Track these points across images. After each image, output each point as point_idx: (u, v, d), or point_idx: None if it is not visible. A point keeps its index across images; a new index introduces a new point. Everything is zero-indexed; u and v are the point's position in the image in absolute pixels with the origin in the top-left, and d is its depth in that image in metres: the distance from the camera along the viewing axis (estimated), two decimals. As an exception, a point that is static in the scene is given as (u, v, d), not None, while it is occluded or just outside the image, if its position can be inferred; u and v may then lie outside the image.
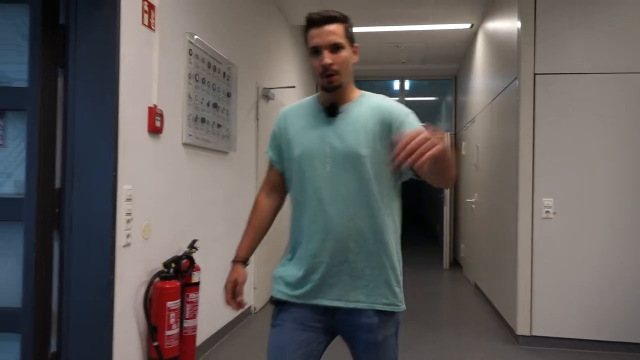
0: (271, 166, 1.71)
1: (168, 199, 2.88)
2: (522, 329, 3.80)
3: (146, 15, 2.53)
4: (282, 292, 1.55)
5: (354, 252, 1.50)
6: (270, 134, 1.69)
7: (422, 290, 5.91)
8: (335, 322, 1.52)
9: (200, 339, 3.20)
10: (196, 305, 2.89)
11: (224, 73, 3.69)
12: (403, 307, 1.59)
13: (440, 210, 7.84)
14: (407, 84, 8.47)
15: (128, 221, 2.39)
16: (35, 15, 2.19)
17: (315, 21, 1.52)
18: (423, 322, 4.46)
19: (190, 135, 3.12)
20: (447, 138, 1.29)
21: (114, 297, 2.28)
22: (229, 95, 3.78)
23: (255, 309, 4.56)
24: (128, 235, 2.40)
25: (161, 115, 2.71)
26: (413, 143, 1.14)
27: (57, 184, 2.24)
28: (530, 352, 3.68)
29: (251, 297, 4.47)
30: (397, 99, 8.37)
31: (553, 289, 3.76)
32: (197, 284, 2.92)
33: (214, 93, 3.51)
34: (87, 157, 2.25)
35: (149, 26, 2.57)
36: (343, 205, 1.49)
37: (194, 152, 3.23)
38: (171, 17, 2.85)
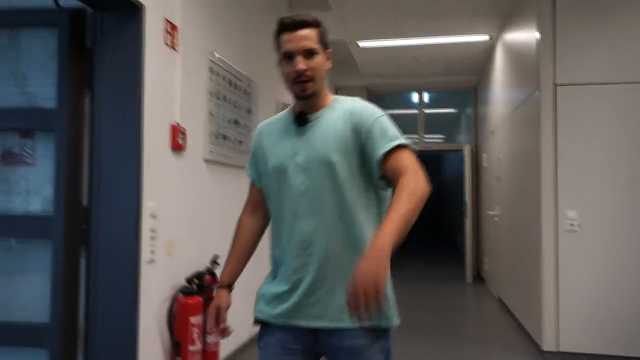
0: (252, 184, 1.66)
1: (191, 215, 2.93)
2: (548, 345, 3.72)
3: (169, 36, 2.59)
4: (263, 312, 1.49)
5: (333, 267, 1.42)
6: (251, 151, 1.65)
7: (445, 304, 5.84)
8: (318, 345, 1.44)
9: (222, 354, 3.21)
10: (219, 321, 2.91)
11: (245, 90, 3.75)
12: (393, 322, 1.46)
13: (462, 221, 7.76)
14: (426, 96, 8.45)
15: (152, 237, 2.43)
16: (63, 39, 2.27)
17: (288, 25, 1.45)
18: (446, 337, 4.40)
19: (212, 151, 3.17)
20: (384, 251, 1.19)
21: (138, 313, 2.31)
22: (249, 111, 3.84)
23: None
24: (152, 252, 2.44)
25: (184, 133, 2.76)
26: (358, 299, 1.14)
27: (84, 201, 2.30)
28: (557, 368, 3.60)
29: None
30: (417, 111, 8.35)
31: (580, 304, 3.68)
32: (220, 299, 2.94)
33: (235, 110, 3.56)
34: (113, 175, 2.30)
35: (172, 46, 2.64)
36: (318, 218, 1.42)
37: (215, 168, 3.28)
38: (193, 37, 2.92)
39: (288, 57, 1.45)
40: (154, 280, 2.47)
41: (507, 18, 5.18)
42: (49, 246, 2.22)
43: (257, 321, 1.51)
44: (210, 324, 1.56)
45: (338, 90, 7.91)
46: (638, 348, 3.57)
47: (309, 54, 1.44)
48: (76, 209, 2.26)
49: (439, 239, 14.19)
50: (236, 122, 3.58)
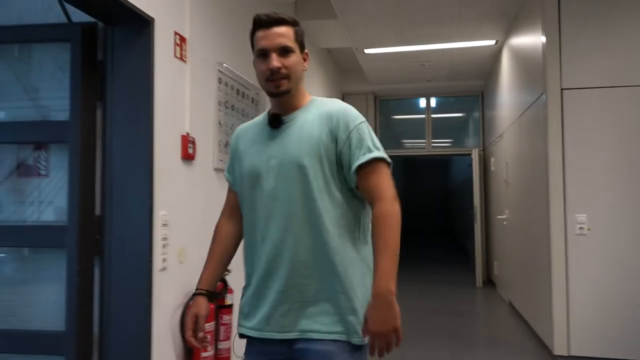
0: (230, 189, 1.62)
1: (201, 223, 2.96)
2: (559, 349, 3.71)
3: (178, 48, 2.64)
4: (242, 326, 1.47)
5: (303, 275, 1.37)
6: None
7: (455, 308, 5.83)
8: (294, 352, 1.40)
9: (234, 360, 3.24)
10: (230, 327, 2.94)
11: (252, 99, 3.79)
12: (359, 340, 1.36)
13: (471, 225, 7.75)
14: (433, 101, 8.47)
15: (164, 246, 2.47)
16: (75, 53, 2.32)
17: (263, 22, 1.42)
18: (457, 342, 4.39)
19: (221, 160, 3.21)
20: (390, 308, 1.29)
21: (151, 320, 2.35)
22: (257, 120, 3.88)
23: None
24: (164, 260, 2.48)
25: (193, 143, 2.80)
26: (382, 349, 1.28)
27: (97, 211, 2.35)
28: (569, 372, 3.59)
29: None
30: (424, 116, 8.37)
31: (591, 307, 3.67)
32: (231, 306, 2.97)
33: (243, 119, 3.61)
34: (125, 185, 2.34)
35: (181, 58, 2.69)
36: (288, 224, 1.37)
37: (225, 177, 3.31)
38: (201, 48, 2.97)
39: (263, 54, 1.41)
40: (166, 287, 2.51)
41: (513, 22, 5.20)
42: (64, 255, 2.26)
43: (240, 335, 1.49)
44: (188, 333, 1.49)
45: (345, 97, 7.95)
46: (650, 351, 3.55)
47: (284, 51, 1.40)
48: (90, 219, 2.31)
49: (448, 243, 14.15)
50: (244, 131, 3.62)
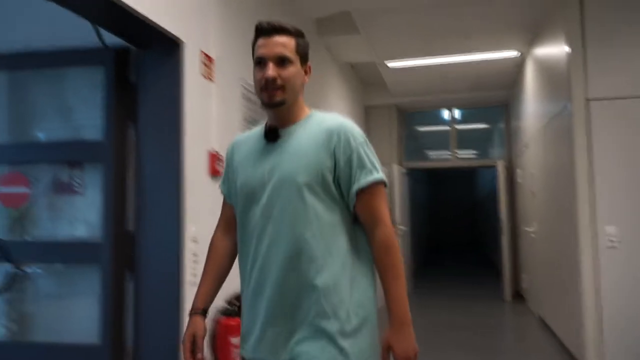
0: (225, 202, 1.55)
1: (229, 238, 3.02)
2: (592, 364, 3.63)
3: (205, 68, 2.73)
4: (242, 348, 1.44)
5: (292, 298, 1.32)
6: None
7: (483, 322, 5.74)
8: None
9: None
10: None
11: (277, 115, 3.86)
12: None
13: (498, 238, 7.64)
14: (457, 112, 8.43)
15: (194, 261, 2.53)
16: (109, 75, 2.42)
17: (264, 30, 1.36)
18: (483, 357, 4.33)
19: (248, 176, 3.27)
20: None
21: (182, 334, 2.40)
22: (282, 135, 3.94)
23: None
24: (194, 274, 2.53)
25: (220, 159, 2.87)
26: None
27: (130, 227, 2.42)
28: (602, 388, 3.50)
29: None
30: (448, 128, 8.34)
31: (625, 323, 3.58)
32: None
33: (269, 134, 3.67)
34: (156, 201, 2.42)
35: (208, 77, 2.77)
36: (279, 244, 1.32)
37: (251, 192, 3.37)
38: (227, 66, 3.06)
39: (260, 62, 1.36)
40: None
41: (536, 33, 5.17)
42: (96, 270, 2.35)
43: (241, 358, 1.47)
44: (186, 354, 1.43)
45: (368, 110, 7.99)
46: (688, 367, 3.45)
47: (282, 61, 1.34)
48: (122, 235, 2.38)
49: (475, 256, 13.94)
50: (270, 147, 3.68)
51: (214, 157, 2.79)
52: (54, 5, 1.96)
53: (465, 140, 8.43)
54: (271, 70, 1.33)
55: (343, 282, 1.33)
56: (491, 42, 5.52)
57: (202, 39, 2.72)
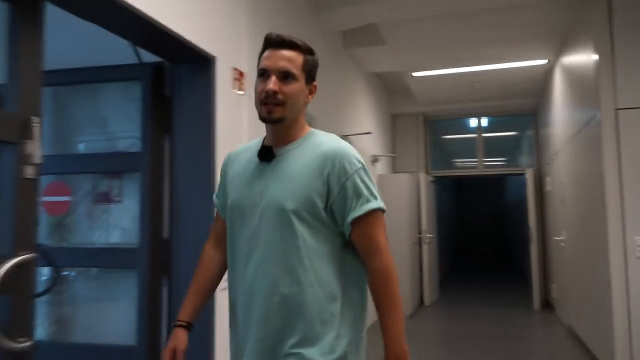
0: (218, 214, 1.52)
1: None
2: (622, 376, 3.57)
3: (237, 82, 2.84)
4: None
5: (274, 326, 1.27)
6: None
7: (512, 332, 5.69)
8: None
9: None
10: None
11: (305, 125, 3.95)
12: None
13: (527, 247, 7.55)
14: (484, 120, 8.39)
15: (225, 267, 2.63)
16: (146, 90, 2.55)
17: (272, 42, 1.32)
18: (513, 367, 4.30)
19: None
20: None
21: (214, 337, 2.49)
22: (309, 145, 4.02)
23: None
24: (225, 279, 2.63)
25: (250, 169, 2.97)
26: None
27: (165, 234, 2.54)
28: (633, 401, 3.45)
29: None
30: (475, 135, 8.30)
31: (655, 333, 3.52)
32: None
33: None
34: (190, 209, 2.53)
35: (239, 90, 2.88)
36: (266, 268, 1.28)
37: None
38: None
39: (263, 74, 1.31)
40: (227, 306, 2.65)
41: (565, 41, 5.14)
42: (134, 275, 2.46)
43: None
44: None
45: (394, 118, 8.03)
46: None
47: (286, 77, 1.29)
48: (158, 242, 2.50)
49: (504, 264, 13.74)
50: (297, 156, 3.76)
51: (244, 167, 2.89)
52: (94, 26, 2.08)
53: (493, 148, 8.37)
54: (273, 83, 1.28)
55: (329, 310, 1.28)
56: (519, 50, 5.51)
57: (234, 54, 2.83)
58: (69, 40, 2.66)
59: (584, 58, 4.31)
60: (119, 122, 2.75)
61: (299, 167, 1.30)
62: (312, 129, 1.40)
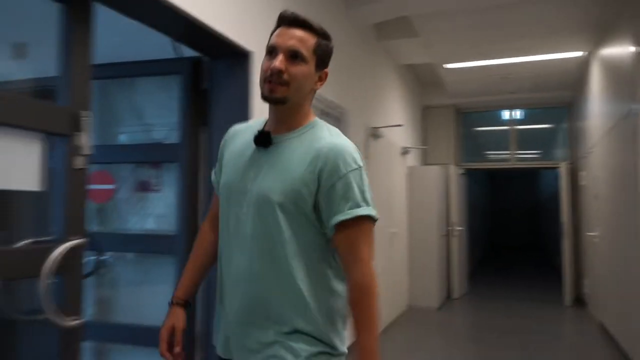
0: (215, 192, 1.47)
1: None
2: (654, 374, 3.54)
3: (271, 75, 2.92)
4: (217, 345, 1.38)
5: (260, 315, 1.24)
6: None
7: (541, 327, 5.65)
8: None
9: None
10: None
11: (336, 117, 4.01)
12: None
13: (560, 241, 7.44)
14: (518, 112, 8.25)
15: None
16: (185, 83, 2.65)
17: (285, 20, 1.26)
18: (541, 361, 4.29)
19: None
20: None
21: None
22: (340, 137, 4.08)
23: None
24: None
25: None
26: None
27: (201, 221, 2.65)
28: (664, 399, 3.41)
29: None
30: (508, 128, 8.18)
31: (689, 331, 3.47)
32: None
33: (328, 136, 3.82)
34: (225, 199, 2.63)
35: (273, 84, 2.96)
36: (251, 256, 1.24)
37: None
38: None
39: (271, 52, 1.25)
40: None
41: (602, 33, 5.03)
42: (172, 261, 2.58)
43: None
44: (162, 347, 1.36)
45: (426, 110, 7.99)
46: None
47: (295, 56, 1.23)
48: (194, 229, 2.61)
49: (537, 259, 13.53)
50: (329, 148, 3.83)
51: (277, 159, 2.97)
52: (137, 23, 2.18)
53: (526, 140, 8.23)
54: (279, 62, 1.21)
55: (309, 301, 1.24)
56: (554, 42, 5.41)
57: (268, 48, 2.90)
58: (114, 36, 2.78)
59: (621, 50, 4.22)
60: (156, 114, 2.87)
61: (294, 160, 1.24)
62: (316, 119, 1.33)
